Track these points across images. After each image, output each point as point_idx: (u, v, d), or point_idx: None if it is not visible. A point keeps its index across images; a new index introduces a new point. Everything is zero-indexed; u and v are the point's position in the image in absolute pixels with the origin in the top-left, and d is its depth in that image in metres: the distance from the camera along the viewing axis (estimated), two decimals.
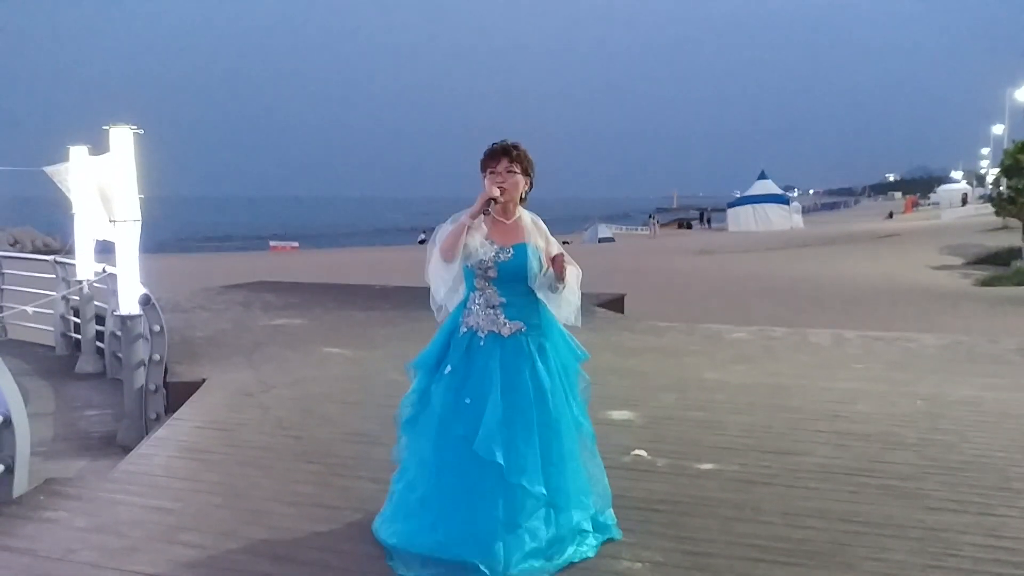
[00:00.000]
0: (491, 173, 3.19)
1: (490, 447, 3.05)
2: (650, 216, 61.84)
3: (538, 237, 3.27)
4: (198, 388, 5.90)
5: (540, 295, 3.25)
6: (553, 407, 3.19)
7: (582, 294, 3.36)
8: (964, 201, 60.92)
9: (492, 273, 3.19)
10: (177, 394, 5.81)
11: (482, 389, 3.14)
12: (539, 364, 3.21)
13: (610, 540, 3.33)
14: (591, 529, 3.32)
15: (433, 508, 3.20)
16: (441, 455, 3.19)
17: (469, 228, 3.12)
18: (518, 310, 3.22)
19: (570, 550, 3.19)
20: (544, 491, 3.13)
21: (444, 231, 3.18)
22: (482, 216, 3.16)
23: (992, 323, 11.91)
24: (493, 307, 3.21)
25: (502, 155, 3.19)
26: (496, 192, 3.13)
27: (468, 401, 3.15)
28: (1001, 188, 22.97)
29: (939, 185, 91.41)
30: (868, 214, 75.87)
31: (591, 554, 3.22)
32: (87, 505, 3.80)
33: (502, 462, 3.05)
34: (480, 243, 3.16)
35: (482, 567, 3.03)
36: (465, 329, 3.24)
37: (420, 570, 3.10)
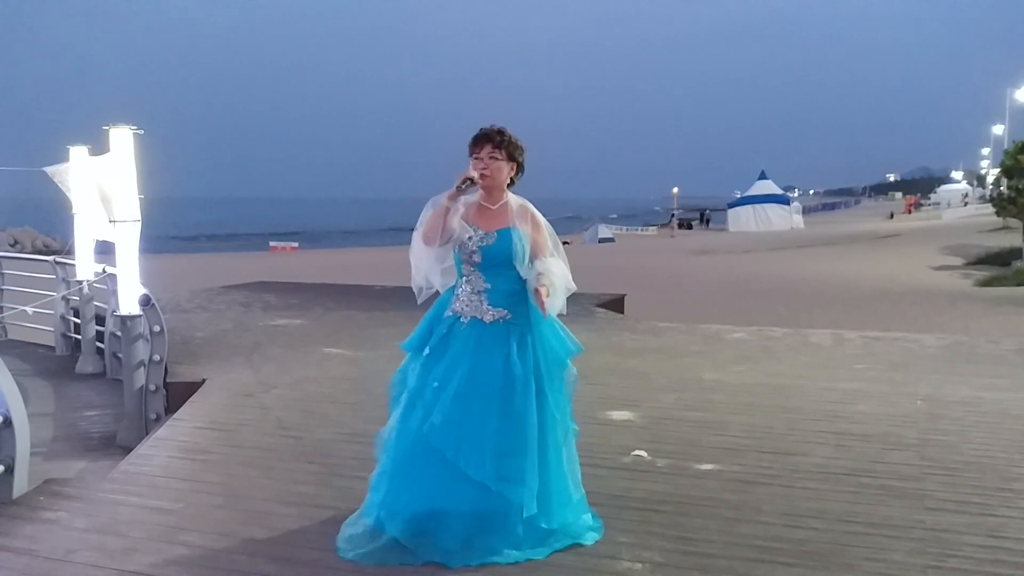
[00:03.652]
0: (475, 159, 3.22)
1: (439, 434, 3.11)
2: (671, 216, 64.56)
3: (524, 222, 3.27)
4: (198, 388, 5.89)
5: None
6: (521, 398, 3.17)
7: (583, 294, 3.36)
8: (965, 201, 60.98)
9: (476, 258, 3.21)
10: (177, 394, 5.80)
11: (448, 374, 3.18)
12: (514, 354, 3.19)
13: (579, 545, 3.26)
14: (553, 528, 3.24)
15: (384, 483, 3.27)
16: (400, 434, 3.25)
17: (449, 210, 3.13)
18: (503, 297, 3.22)
19: (515, 545, 3.14)
20: (492, 481, 3.11)
21: (425, 215, 3.19)
22: (465, 198, 3.17)
23: (992, 323, 11.90)
24: (478, 293, 3.23)
25: (485, 141, 3.21)
26: (473, 172, 3.15)
27: (436, 384, 3.19)
28: (1001, 188, 22.97)
29: (940, 185, 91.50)
30: (868, 214, 75.88)
31: (539, 557, 3.15)
32: (87, 506, 3.80)
33: (450, 449, 3.10)
34: (459, 225, 3.17)
35: (417, 550, 3.09)
36: (450, 314, 3.27)
37: (367, 545, 3.17)
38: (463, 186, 3.14)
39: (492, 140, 3.20)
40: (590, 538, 3.32)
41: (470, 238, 3.18)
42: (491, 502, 3.14)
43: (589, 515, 3.42)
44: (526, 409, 3.18)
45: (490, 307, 3.21)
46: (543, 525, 3.23)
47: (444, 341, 3.24)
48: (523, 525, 3.18)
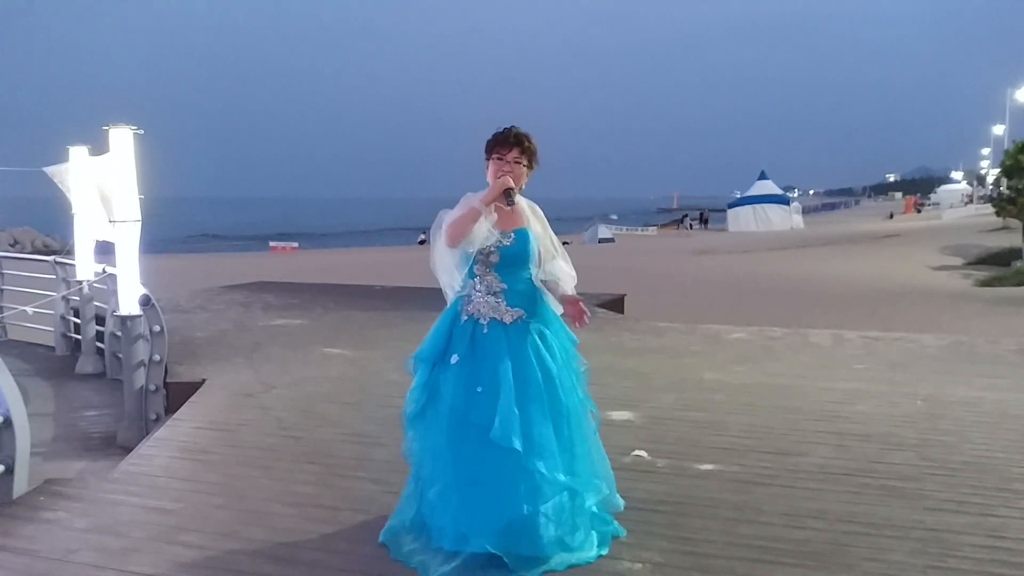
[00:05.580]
0: (497, 159, 3.17)
1: (508, 434, 3.02)
2: (684, 216, 67.07)
3: (536, 223, 3.27)
4: (198, 388, 5.90)
5: (537, 284, 3.27)
6: (562, 392, 3.19)
7: (582, 294, 3.38)
8: (968, 200, 61.04)
9: (494, 258, 3.18)
10: (177, 394, 5.81)
11: (494, 377, 3.11)
12: (543, 350, 3.20)
13: (615, 537, 3.31)
14: (599, 512, 3.31)
15: (453, 500, 3.13)
16: (456, 446, 3.12)
17: (480, 215, 3.08)
18: (519, 297, 3.21)
19: (584, 538, 3.17)
20: (562, 476, 3.11)
21: (451, 215, 3.13)
22: (495, 204, 3.12)
23: (992, 323, 11.90)
24: (494, 294, 3.20)
25: (514, 144, 3.17)
26: (512, 183, 3.11)
27: (480, 390, 3.10)
28: (1001, 188, 22.98)
29: (940, 185, 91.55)
30: (868, 214, 75.91)
31: (604, 551, 3.20)
32: (87, 506, 3.80)
33: (520, 448, 3.02)
34: (488, 231, 3.12)
35: (505, 558, 3.01)
36: (466, 317, 3.22)
37: (443, 566, 3.04)
38: (510, 200, 3.11)
39: (520, 144, 3.17)
40: (620, 528, 3.36)
41: (488, 239, 3.15)
42: (560, 497, 3.12)
43: (618, 495, 3.47)
44: (569, 402, 3.20)
45: (508, 308, 3.19)
46: (596, 511, 3.30)
47: (472, 346, 3.17)
48: (587, 516, 3.22)
